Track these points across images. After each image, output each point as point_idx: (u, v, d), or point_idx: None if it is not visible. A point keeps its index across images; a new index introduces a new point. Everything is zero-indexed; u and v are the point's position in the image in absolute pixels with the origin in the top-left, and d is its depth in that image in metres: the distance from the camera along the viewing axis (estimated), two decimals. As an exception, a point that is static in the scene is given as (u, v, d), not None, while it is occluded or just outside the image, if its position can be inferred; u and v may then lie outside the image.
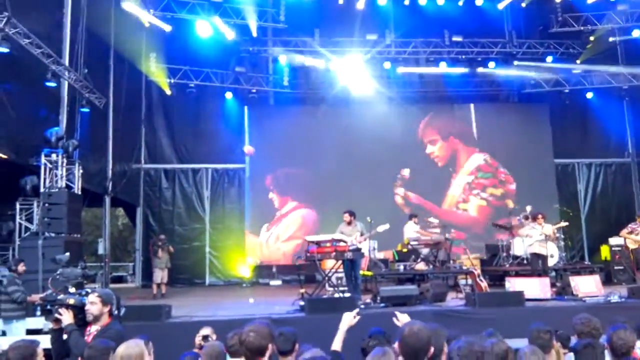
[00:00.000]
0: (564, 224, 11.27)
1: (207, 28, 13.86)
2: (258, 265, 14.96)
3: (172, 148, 15.40)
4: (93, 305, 3.79)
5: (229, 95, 15.19)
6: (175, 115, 15.33)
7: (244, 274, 14.81)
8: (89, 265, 9.52)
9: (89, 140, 11.28)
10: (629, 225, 10.14)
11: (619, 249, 11.31)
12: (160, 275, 11.72)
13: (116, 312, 4.01)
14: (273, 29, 14.80)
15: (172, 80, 14.55)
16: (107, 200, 12.76)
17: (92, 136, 11.61)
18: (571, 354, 3.83)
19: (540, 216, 10.14)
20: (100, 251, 13.14)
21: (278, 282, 14.52)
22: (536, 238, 9.92)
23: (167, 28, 13.47)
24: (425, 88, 16.30)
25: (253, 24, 13.99)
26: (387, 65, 15.63)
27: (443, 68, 15.61)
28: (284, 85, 15.27)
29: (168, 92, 14.73)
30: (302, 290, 8.83)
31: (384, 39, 15.11)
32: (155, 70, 14.25)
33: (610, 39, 15.08)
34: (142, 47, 13.75)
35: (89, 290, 4.00)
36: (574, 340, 3.97)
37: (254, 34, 14.27)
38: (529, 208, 11.62)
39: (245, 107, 15.53)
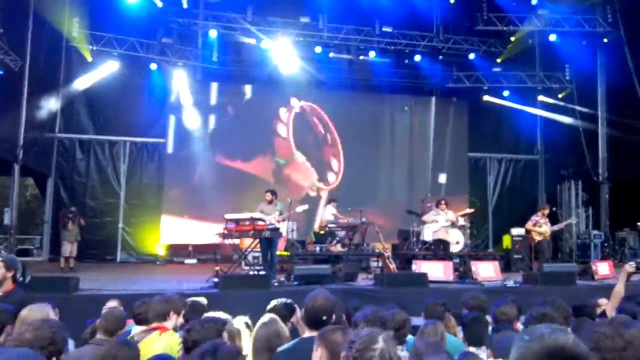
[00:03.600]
0: (468, 210, 11.86)
1: (134, -5, 13.36)
2: (173, 244, 14.72)
3: (90, 118, 14.78)
4: (-4, 269, 3.68)
5: (153, 66, 14.69)
6: (95, 84, 14.67)
7: (159, 252, 14.56)
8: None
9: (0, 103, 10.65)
10: (532, 218, 10.84)
11: (520, 239, 12.14)
12: (69, 248, 11.33)
13: (21, 279, 3.91)
14: (205, 2, 14.49)
15: (95, 47, 13.90)
16: (17, 168, 12.08)
17: (4, 100, 10.93)
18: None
19: (443, 202, 10.64)
20: (6, 221, 12.46)
21: (193, 261, 14.36)
22: (441, 224, 10.42)
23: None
24: (353, 76, 16.62)
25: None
26: (319, 49, 15.76)
27: (372, 57, 15.98)
28: (212, 60, 15.00)
29: (89, 59, 14.07)
30: (217, 268, 8.87)
31: (317, 23, 15.18)
32: (78, 36, 13.56)
33: (530, 41, 15.99)
34: (65, 10, 13.04)
35: (-8, 255, 3.87)
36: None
37: (185, 6, 13.93)
38: (429, 195, 12.15)
39: (173, 81, 15.12)
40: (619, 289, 4.79)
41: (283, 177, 15.61)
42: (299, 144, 15.88)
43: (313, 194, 15.70)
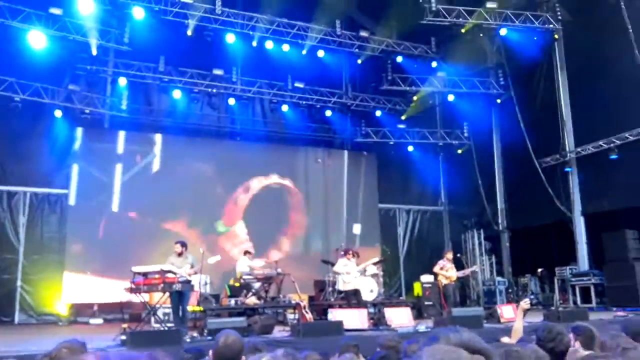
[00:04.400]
0: (374, 260, 12.07)
1: (41, 40, 12.87)
2: (76, 303, 13.73)
3: (-14, 167, 13.76)
4: None
5: (58, 113, 14.00)
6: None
7: (61, 312, 13.50)
8: None
9: None
10: (439, 262, 11.32)
11: (429, 285, 12.58)
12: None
13: None
14: (115, 50, 14.24)
15: (-4, 92, 13.14)
16: None
17: None
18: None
19: (350, 252, 10.92)
20: None
21: (99, 321, 13.37)
22: (353, 274, 10.62)
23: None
24: (268, 127, 16.89)
25: (94, 42, 13.33)
26: (232, 101, 15.96)
27: (285, 110, 16.40)
28: (121, 108, 14.65)
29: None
30: (125, 325, 8.38)
31: (231, 75, 15.40)
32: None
33: (430, 101, 17.17)
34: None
35: None
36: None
37: (94, 53, 13.60)
38: (342, 244, 12.40)
39: (79, 129, 14.54)
40: (518, 326, 5.11)
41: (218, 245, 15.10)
42: (202, 188, 15.51)
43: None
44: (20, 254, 13.60)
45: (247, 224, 15.64)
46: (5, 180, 13.77)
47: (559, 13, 14.26)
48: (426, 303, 12.62)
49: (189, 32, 13.93)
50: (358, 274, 10.60)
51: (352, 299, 10.38)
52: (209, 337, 7.57)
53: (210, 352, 3.07)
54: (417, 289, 13.40)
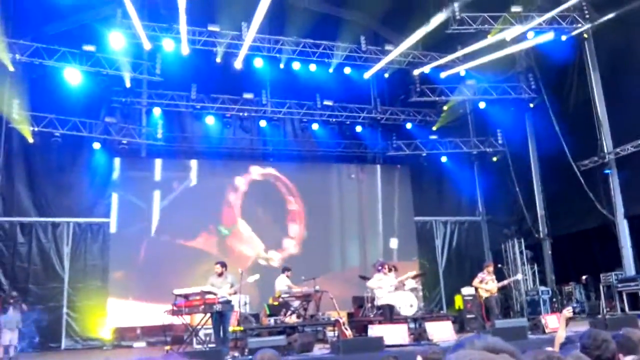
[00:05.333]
0: (410, 274, 11.89)
1: (76, 76, 13.45)
2: (120, 327, 14.04)
3: (31, 200, 14.28)
4: None
5: (96, 145, 14.57)
6: (37, 165, 14.34)
7: (105, 337, 13.83)
8: None
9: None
10: (479, 275, 11.12)
11: (471, 298, 12.34)
12: (9, 336, 10.61)
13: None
14: (148, 81, 14.73)
15: (36, 129, 13.70)
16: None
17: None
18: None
19: (386, 266, 10.81)
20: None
21: (142, 344, 13.66)
22: (386, 289, 10.52)
23: (34, 74, 12.93)
24: (299, 147, 17.04)
25: (127, 75, 13.85)
26: (263, 123, 16.20)
27: (315, 129, 16.54)
28: (156, 137, 15.07)
29: (30, 140, 13.83)
30: (167, 347, 8.53)
31: (261, 98, 15.68)
32: (18, 117, 13.39)
33: (461, 110, 17.01)
34: (4, 91, 12.95)
35: None
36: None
37: (128, 85, 14.10)
38: (380, 260, 12.27)
39: (117, 159, 15.03)
40: (560, 335, 4.99)
41: (227, 248, 15.34)
42: (245, 212, 15.76)
43: (263, 262, 15.45)
44: (65, 282, 14.05)
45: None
46: (49, 212, 14.33)
47: (586, 11, 13.99)
48: (468, 316, 12.37)
49: (218, 60, 14.28)
50: (392, 288, 10.50)
51: (387, 314, 10.28)
52: (250, 357, 7.63)
53: None
54: (458, 302, 13.17)
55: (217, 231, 15.43)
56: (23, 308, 11.09)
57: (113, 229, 14.66)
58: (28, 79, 13.08)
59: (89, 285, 14.19)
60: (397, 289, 10.89)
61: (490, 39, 14.28)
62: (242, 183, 15.96)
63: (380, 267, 10.87)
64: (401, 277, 10.91)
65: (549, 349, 5.25)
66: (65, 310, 13.91)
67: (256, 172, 16.24)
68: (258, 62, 14.99)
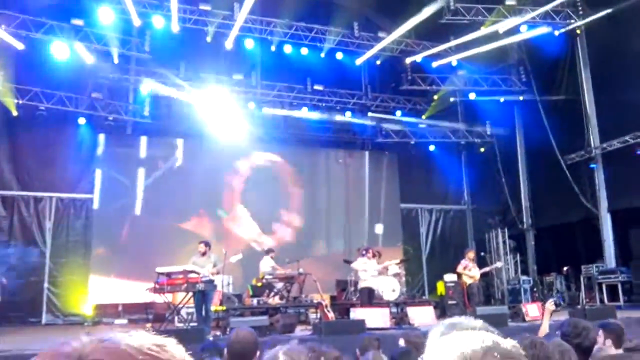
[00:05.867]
0: (393, 261, 12.00)
1: (64, 50, 13.22)
2: (102, 304, 13.95)
3: (14, 174, 14.09)
4: None
5: (82, 121, 14.37)
6: (20, 139, 14.11)
7: (86, 313, 13.75)
8: None
9: None
10: (462, 262, 11.22)
11: (452, 284, 12.44)
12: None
13: None
14: (137, 58, 14.51)
15: (21, 102, 13.48)
16: None
17: None
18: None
19: (370, 251, 10.91)
20: None
21: (124, 321, 13.57)
22: (370, 273, 10.60)
23: (20, 46, 12.65)
24: (288, 130, 16.94)
25: (115, 51, 13.64)
26: (252, 105, 16.06)
27: (305, 112, 16.41)
28: (144, 115, 14.89)
29: (14, 113, 13.60)
30: (149, 325, 8.51)
31: (250, 79, 15.53)
32: (2, 89, 13.15)
33: (452, 99, 17.03)
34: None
35: None
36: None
37: (116, 61, 13.89)
38: (364, 244, 12.36)
39: (102, 135, 14.84)
40: (544, 327, 5.05)
41: (223, 230, 15.30)
42: (244, 196, 15.73)
43: (257, 248, 15.37)
44: (47, 257, 13.91)
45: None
46: (31, 186, 14.11)
47: (580, 7, 14.03)
48: (449, 302, 12.47)
49: (209, 39, 14.11)
50: (375, 272, 10.58)
51: (365, 297, 10.35)
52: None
53: (225, 350, 3.09)
54: (441, 288, 13.28)
55: (214, 213, 15.32)
56: (4, 281, 10.97)
57: (96, 205, 14.51)
58: (13, 51, 12.81)
59: (70, 261, 14.05)
60: (380, 274, 10.97)
61: (483, 31, 14.27)
62: (243, 166, 15.90)
63: (364, 252, 10.93)
64: (385, 263, 10.99)
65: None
66: (46, 285, 13.79)
67: (256, 156, 16.16)
68: (249, 44, 14.83)
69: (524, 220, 16.24)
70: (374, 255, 11.05)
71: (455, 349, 1.01)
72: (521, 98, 16.05)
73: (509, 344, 1.03)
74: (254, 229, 15.62)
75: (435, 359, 1.03)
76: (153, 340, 0.75)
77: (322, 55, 15.46)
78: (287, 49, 15.24)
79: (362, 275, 10.54)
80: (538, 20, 14.20)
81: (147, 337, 0.75)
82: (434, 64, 15.70)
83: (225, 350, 3.09)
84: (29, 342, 8.11)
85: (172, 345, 0.77)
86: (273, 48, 15.04)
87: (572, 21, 14.18)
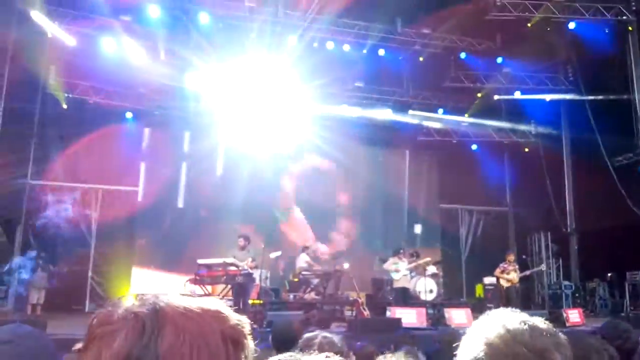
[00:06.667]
0: (426, 259, 11.81)
1: (113, 46, 13.61)
2: (142, 294, 14.26)
3: (62, 165, 14.60)
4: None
5: (129, 115, 14.81)
6: (69, 131, 14.59)
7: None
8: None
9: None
10: (501, 265, 11.05)
11: (492, 287, 12.26)
12: (36, 296, 10.96)
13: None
14: (182, 53, 14.72)
15: (71, 95, 13.98)
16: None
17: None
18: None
19: (401, 252, 10.88)
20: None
21: (165, 312, 13.92)
22: (402, 273, 10.55)
23: (71, 42, 13.11)
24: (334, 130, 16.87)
25: (162, 46, 13.93)
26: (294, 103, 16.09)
27: (344, 109, 16.33)
28: (189, 110, 15.13)
29: (64, 106, 14.10)
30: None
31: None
32: (54, 83, 13.64)
33: (496, 97, 16.65)
34: (43, 57, 13.14)
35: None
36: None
37: (162, 57, 14.17)
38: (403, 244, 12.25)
39: (147, 129, 15.22)
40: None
41: (280, 233, 15.38)
42: (300, 199, 15.94)
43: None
44: (92, 247, 14.36)
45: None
46: (78, 177, 14.58)
47: (632, 3, 13.50)
48: (487, 305, 12.28)
49: (253, 35, 14.22)
50: (407, 272, 10.54)
51: (400, 297, 10.31)
52: (268, 329, 7.72)
53: (270, 337, 3.18)
54: (479, 290, 13.11)
55: (272, 215, 15.50)
56: (50, 268, 11.42)
57: (140, 197, 14.91)
58: (65, 47, 13.25)
59: (115, 252, 14.48)
60: (418, 274, 10.89)
61: (530, 27, 13.93)
62: (293, 167, 16.14)
63: (394, 253, 10.92)
64: (414, 262, 10.95)
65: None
66: (90, 274, 14.25)
67: (308, 157, 16.31)
68: (291, 40, 14.88)
69: (568, 223, 15.78)
70: (412, 256, 10.98)
71: (498, 324, 1.08)
72: (568, 97, 15.58)
73: (544, 324, 1.11)
74: (308, 234, 15.66)
75: (478, 334, 1.09)
76: (212, 304, 0.82)
77: (365, 51, 15.37)
78: (330, 45, 15.21)
79: (394, 275, 10.53)
80: (587, 17, 13.75)
81: (207, 301, 0.83)
82: (479, 61, 15.41)
83: (270, 337, 3.18)
84: (74, 327, 8.40)
85: (226, 309, 0.84)
86: (315, 44, 15.03)
87: (624, 17, 13.67)
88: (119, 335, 0.75)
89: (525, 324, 1.08)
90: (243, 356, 0.81)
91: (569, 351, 1.11)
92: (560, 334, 1.13)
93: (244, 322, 0.85)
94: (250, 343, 0.83)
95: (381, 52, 15.61)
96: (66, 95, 13.88)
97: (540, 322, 1.12)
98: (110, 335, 0.76)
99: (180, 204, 15.15)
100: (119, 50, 13.69)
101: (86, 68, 13.98)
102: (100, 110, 14.30)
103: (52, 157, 14.49)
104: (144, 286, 14.18)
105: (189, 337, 0.75)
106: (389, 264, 10.70)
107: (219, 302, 0.86)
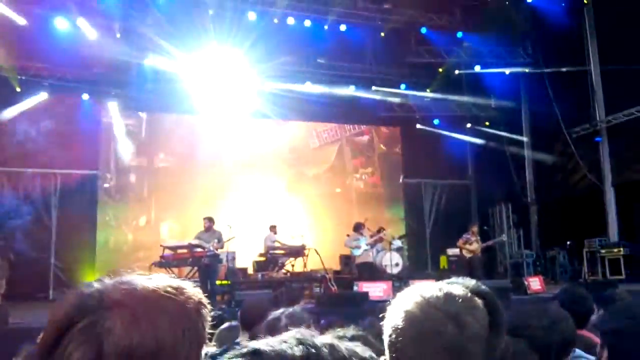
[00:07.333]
0: (383, 233, 12.04)
1: (66, 25, 13.12)
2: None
3: (19, 150, 14.09)
4: None
5: (85, 96, 14.34)
6: (23, 114, 14.08)
7: (94, 286, 13.89)
8: None
9: None
10: (463, 236, 11.32)
11: (455, 258, 12.56)
12: (-5, 285, 10.67)
13: None
14: (139, 33, 14.31)
15: (24, 77, 13.43)
16: None
17: None
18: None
19: (362, 226, 11.08)
20: None
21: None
22: (363, 248, 10.72)
23: (22, 22, 12.56)
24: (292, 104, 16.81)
25: (117, 26, 13.52)
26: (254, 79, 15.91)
27: (308, 86, 16.23)
28: (146, 89, 14.75)
29: (17, 89, 13.56)
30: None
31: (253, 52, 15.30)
32: (5, 66, 13.09)
33: (456, 72, 16.82)
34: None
35: None
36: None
37: (118, 36, 13.76)
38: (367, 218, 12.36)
39: (104, 110, 14.82)
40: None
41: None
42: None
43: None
44: (53, 233, 14.00)
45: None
46: (36, 162, 14.08)
47: (588, -24, 13.77)
48: (452, 276, 12.56)
49: (210, 12, 13.92)
50: (368, 247, 10.71)
51: (365, 272, 10.47)
52: (237, 309, 7.73)
53: (239, 314, 3.19)
54: (443, 262, 13.40)
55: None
56: (10, 257, 11.11)
57: (101, 181, 14.60)
58: (15, 27, 12.69)
59: (77, 237, 14.15)
60: (384, 249, 11.04)
61: (489, 2, 14.06)
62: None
63: (354, 228, 11.05)
64: (375, 237, 11.13)
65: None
66: (52, 260, 13.91)
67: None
68: (251, 16, 14.64)
69: (528, 194, 16.22)
70: (378, 231, 11.11)
71: (416, 293, 1.17)
72: (527, 70, 15.86)
73: (464, 291, 1.18)
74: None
75: (398, 304, 1.16)
76: (171, 282, 0.80)
77: (326, 27, 15.25)
78: (290, 21, 15.02)
79: (355, 252, 10.70)
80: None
81: (165, 280, 0.82)
82: (439, 36, 15.50)
83: (239, 316, 3.20)
84: (37, 315, 8.24)
85: (189, 287, 0.84)
86: (276, 20, 14.82)
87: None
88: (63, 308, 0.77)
89: (441, 291, 1.15)
90: (200, 324, 0.82)
91: (484, 314, 1.17)
92: (476, 298, 1.18)
93: (199, 293, 0.87)
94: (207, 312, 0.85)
95: (342, 27, 15.52)
96: (19, 77, 13.33)
97: (458, 289, 1.17)
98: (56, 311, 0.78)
99: (143, 187, 14.89)
100: (73, 30, 13.21)
101: (39, 49, 13.43)
102: (55, 92, 13.79)
103: (7, 142, 13.98)
104: (110, 269, 13.98)
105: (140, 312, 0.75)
106: (349, 241, 10.83)
107: (175, 279, 0.87)
